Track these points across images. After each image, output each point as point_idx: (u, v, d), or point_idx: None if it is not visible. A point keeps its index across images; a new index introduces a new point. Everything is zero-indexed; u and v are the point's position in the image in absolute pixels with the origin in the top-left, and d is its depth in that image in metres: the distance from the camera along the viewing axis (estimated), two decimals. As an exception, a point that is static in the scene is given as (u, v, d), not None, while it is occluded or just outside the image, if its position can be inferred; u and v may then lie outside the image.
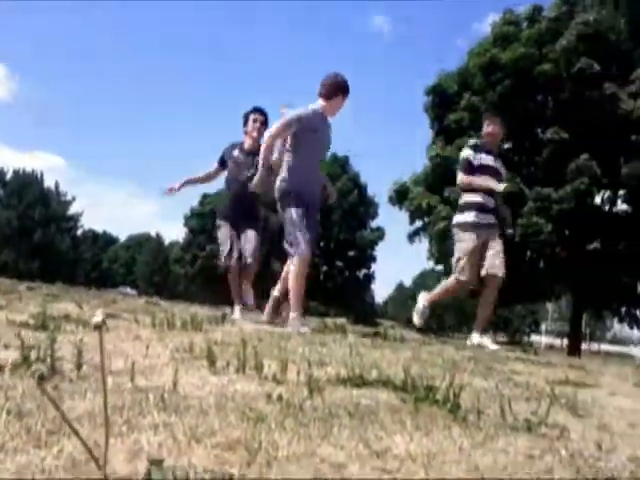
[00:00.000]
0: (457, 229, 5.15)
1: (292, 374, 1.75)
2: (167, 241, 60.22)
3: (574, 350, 17.90)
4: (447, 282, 5.29)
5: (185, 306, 8.31)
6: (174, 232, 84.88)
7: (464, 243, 5.02)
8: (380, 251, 54.10)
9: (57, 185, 48.63)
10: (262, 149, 4.46)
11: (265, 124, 5.29)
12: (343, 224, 38.72)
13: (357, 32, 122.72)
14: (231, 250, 5.28)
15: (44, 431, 1.01)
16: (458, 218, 5.16)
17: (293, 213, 4.35)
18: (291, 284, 4.33)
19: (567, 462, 1.03)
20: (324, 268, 38.80)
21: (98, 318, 0.74)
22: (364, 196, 40.07)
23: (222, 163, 5.48)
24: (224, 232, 5.36)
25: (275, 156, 4.60)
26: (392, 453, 1.01)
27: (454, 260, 5.13)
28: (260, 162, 4.46)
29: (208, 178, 5.62)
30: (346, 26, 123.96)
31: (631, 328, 19.74)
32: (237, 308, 5.33)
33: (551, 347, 41.65)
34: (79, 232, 52.89)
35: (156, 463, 0.81)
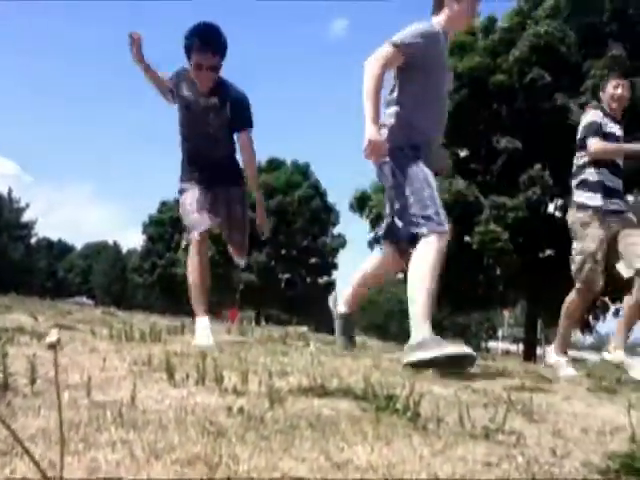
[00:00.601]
0: (578, 219, 3.92)
1: (253, 385, 1.74)
2: (125, 249, 59.32)
3: (529, 355, 18.33)
4: (568, 303, 4.02)
5: (144, 316, 8.17)
6: (132, 240, 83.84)
7: (588, 239, 3.83)
8: (341, 258, 54.37)
9: (10, 191, 47.34)
10: (369, 87, 2.86)
11: (215, 70, 3.44)
12: (305, 231, 38.76)
13: (316, 36, 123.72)
14: (201, 216, 3.46)
15: (-4, 451, 0.98)
16: (579, 200, 3.95)
17: (418, 172, 2.87)
18: (422, 275, 2.70)
19: (523, 469, 1.06)
20: (286, 276, 38.73)
21: (52, 338, 0.72)
22: (325, 203, 40.24)
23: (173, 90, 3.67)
24: (190, 195, 3.55)
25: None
26: (353, 464, 1.01)
27: (574, 264, 3.92)
28: (369, 107, 2.84)
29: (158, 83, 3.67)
30: (305, 31, 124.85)
31: (582, 333, 20.29)
32: (202, 320, 3.32)
33: (507, 352, 42.49)
34: (33, 240, 51.55)
35: (114, 482, 0.79)
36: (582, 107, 17.63)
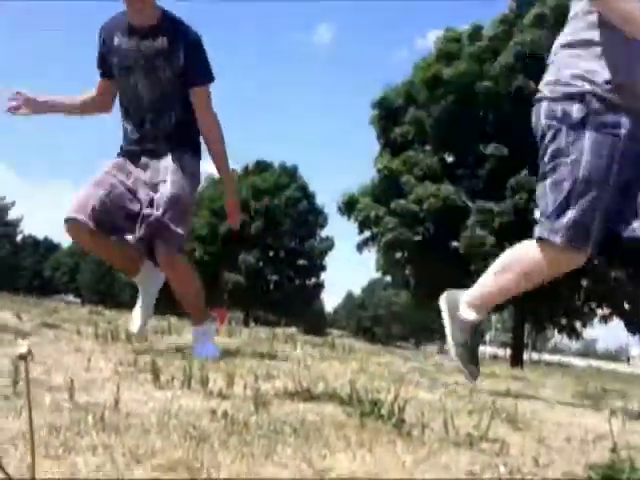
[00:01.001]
0: None
1: (239, 388, 1.73)
2: (113, 248, 58.93)
3: (516, 360, 18.39)
4: None
5: (130, 315, 8.11)
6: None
7: None
8: (329, 260, 54.29)
9: (-4, 189, 47.04)
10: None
11: None
12: (293, 233, 38.73)
13: (301, 43, 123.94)
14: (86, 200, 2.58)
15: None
16: None
17: (587, 154, 2.07)
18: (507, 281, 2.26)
19: (506, 479, 1.06)
20: (274, 277, 38.67)
21: (23, 349, 0.70)
22: (313, 205, 40.26)
23: (107, 70, 2.80)
24: (102, 169, 2.73)
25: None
26: (335, 472, 1.01)
27: None
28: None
29: (86, 106, 2.91)
30: (291, 39, 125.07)
31: (570, 339, 20.44)
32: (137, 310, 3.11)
33: (495, 357, 42.70)
34: (19, 238, 51.15)
35: (93, 488, 0.78)
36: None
